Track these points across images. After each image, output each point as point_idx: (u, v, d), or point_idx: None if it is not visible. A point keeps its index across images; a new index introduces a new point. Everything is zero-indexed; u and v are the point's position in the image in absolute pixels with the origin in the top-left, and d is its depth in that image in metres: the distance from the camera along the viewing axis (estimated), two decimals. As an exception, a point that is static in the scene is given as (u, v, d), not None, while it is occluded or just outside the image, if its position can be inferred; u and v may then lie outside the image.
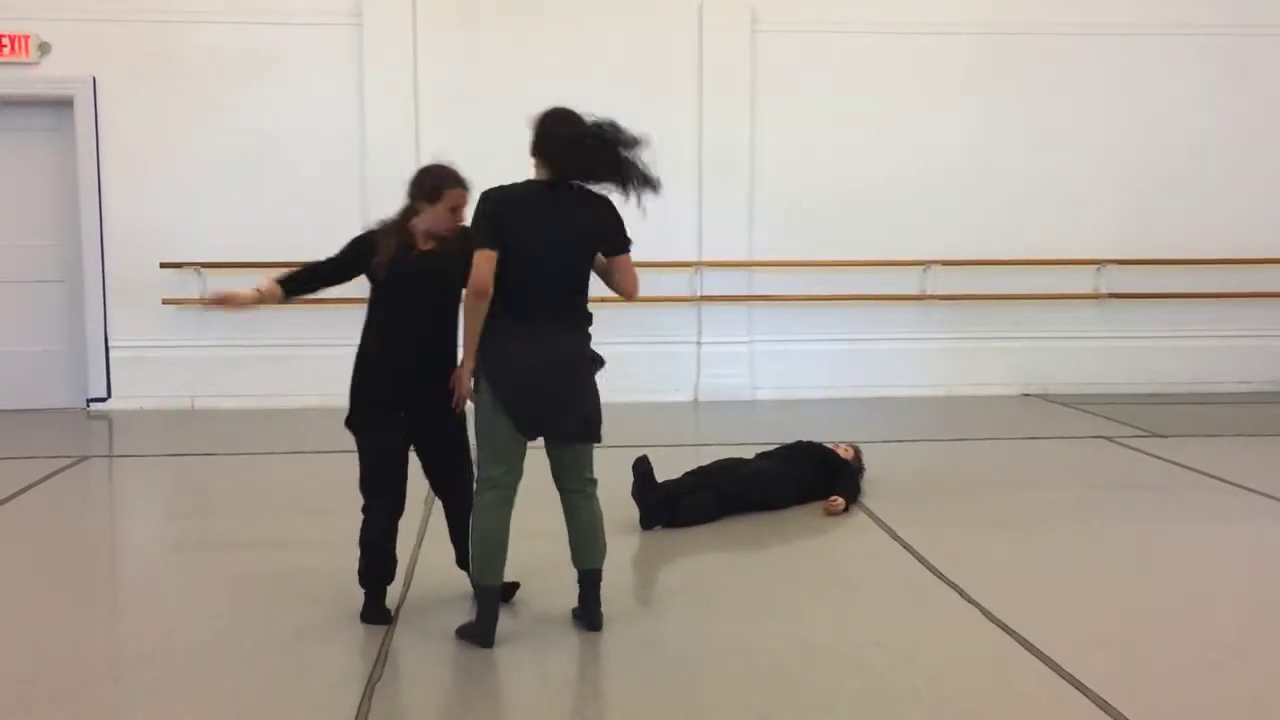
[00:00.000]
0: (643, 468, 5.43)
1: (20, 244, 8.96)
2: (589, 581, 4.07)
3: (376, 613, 4.14)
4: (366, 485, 4.11)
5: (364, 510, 4.12)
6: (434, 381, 4.05)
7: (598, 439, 4.02)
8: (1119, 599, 4.50)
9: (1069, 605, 4.38)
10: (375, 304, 4.13)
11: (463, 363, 3.96)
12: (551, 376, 3.87)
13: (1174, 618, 4.26)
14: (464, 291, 3.91)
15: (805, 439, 6.27)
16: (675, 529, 5.39)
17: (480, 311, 3.80)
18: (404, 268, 4.04)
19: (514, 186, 3.92)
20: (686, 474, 5.74)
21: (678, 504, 5.45)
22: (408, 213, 4.15)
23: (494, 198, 3.86)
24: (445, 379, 4.03)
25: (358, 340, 4.14)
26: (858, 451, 6.20)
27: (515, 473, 3.95)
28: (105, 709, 3.46)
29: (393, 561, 4.18)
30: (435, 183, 4.10)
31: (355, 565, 4.15)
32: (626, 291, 4.12)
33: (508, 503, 3.94)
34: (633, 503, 5.38)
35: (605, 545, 4.10)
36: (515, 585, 4.34)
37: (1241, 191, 9.66)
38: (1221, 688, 3.62)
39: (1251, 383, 9.70)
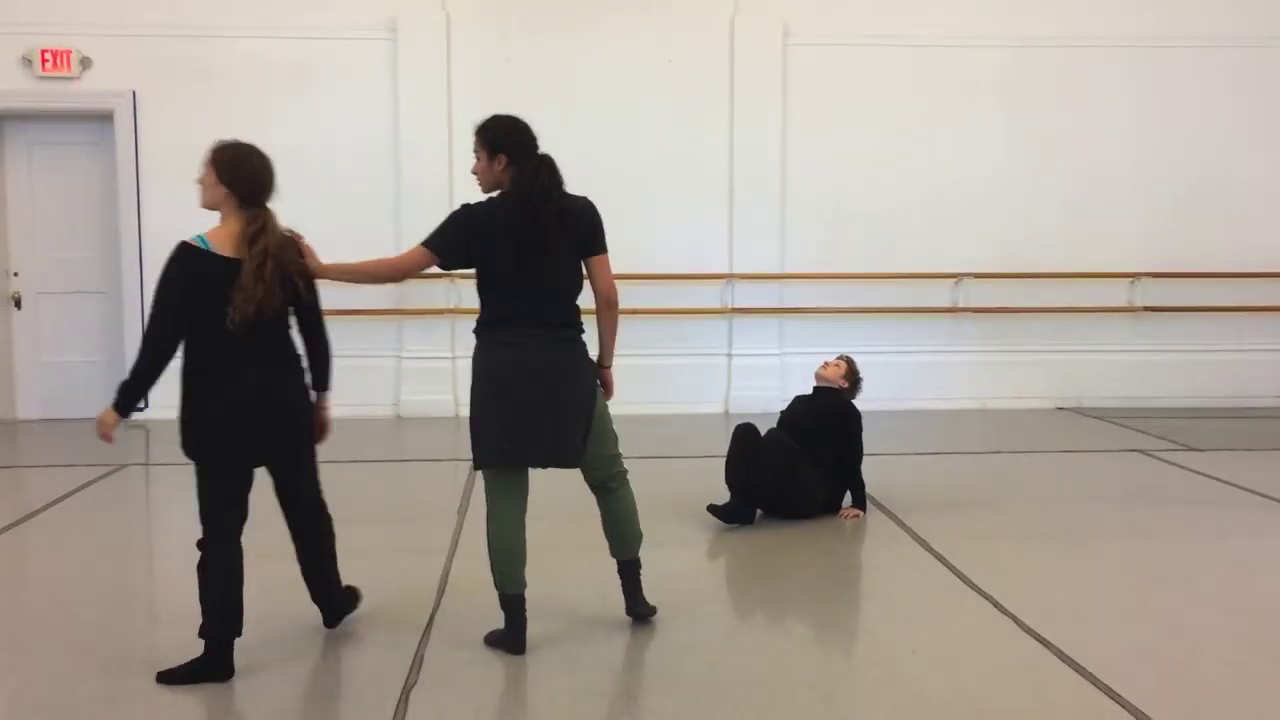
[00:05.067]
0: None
1: (61, 256, 9.10)
2: (625, 573, 4.15)
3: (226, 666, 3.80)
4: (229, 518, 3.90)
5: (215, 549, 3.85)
6: None
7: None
8: (1156, 612, 4.46)
9: (1105, 618, 4.35)
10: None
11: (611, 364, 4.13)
12: None
13: (1211, 631, 4.22)
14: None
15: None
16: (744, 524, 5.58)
17: None
18: None
19: None
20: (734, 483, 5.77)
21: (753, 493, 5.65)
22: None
23: None
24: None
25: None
26: (850, 366, 6.09)
27: None
28: (146, 713, 3.50)
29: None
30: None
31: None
32: None
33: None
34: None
35: (639, 535, 4.17)
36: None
37: (1276, 204, 9.58)
38: (1260, 701, 3.58)
39: (1288, 397, 9.61)
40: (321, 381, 3.99)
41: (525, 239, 3.80)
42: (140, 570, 5.36)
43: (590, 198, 4.00)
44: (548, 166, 3.88)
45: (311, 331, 3.96)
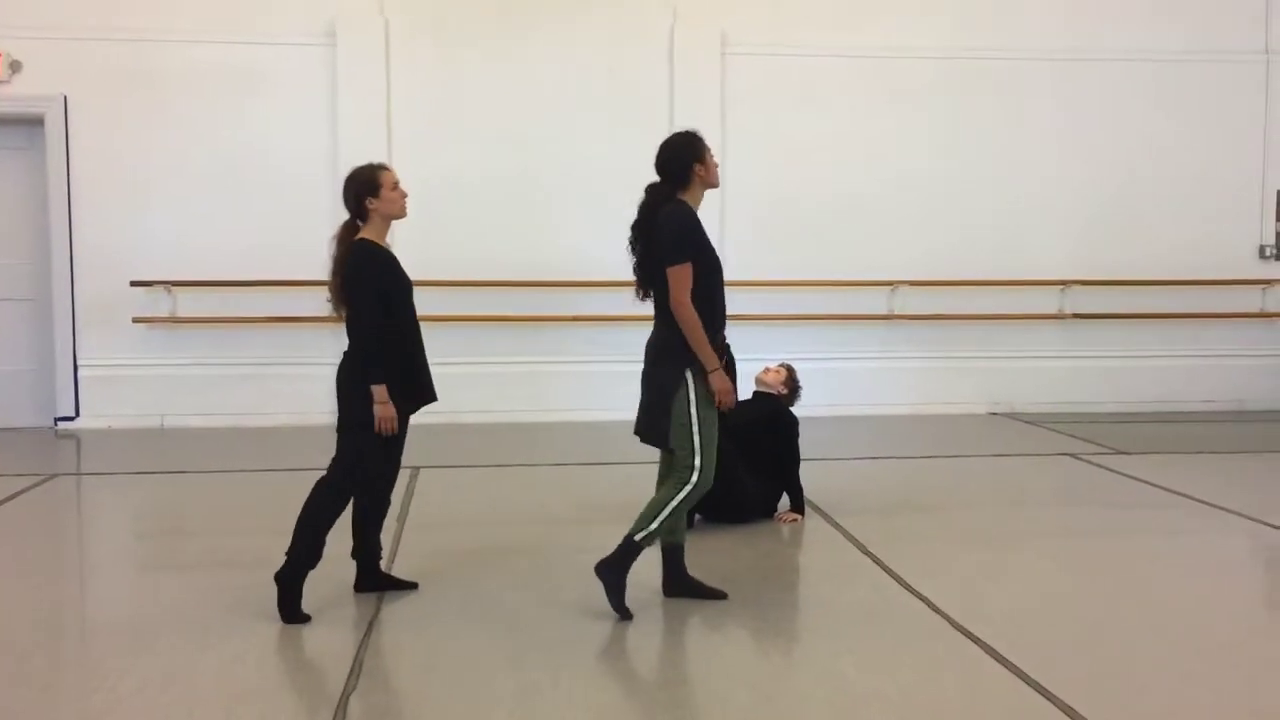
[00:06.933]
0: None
1: (-11, 262, 8.93)
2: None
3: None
4: (366, 470, 4.38)
5: (357, 492, 4.42)
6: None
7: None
8: (1085, 610, 4.57)
9: (1036, 616, 4.45)
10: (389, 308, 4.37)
11: (714, 368, 4.32)
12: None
13: (1139, 628, 4.33)
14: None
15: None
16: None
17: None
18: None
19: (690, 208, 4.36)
20: None
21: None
22: (355, 223, 4.46)
23: (693, 215, 4.35)
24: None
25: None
26: (790, 374, 6.21)
27: None
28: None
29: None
30: (368, 175, 4.47)
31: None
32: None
33: None
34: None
35: (647, 521, 4.36)
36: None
37: (1200, 213, 9.86)
38: (1186, 695, 3.68)
39: (1214, 401, 9.86)
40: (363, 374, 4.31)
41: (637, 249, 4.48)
42: (72, 582, 5.27)
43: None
44: (661, 182, 4.41)
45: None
